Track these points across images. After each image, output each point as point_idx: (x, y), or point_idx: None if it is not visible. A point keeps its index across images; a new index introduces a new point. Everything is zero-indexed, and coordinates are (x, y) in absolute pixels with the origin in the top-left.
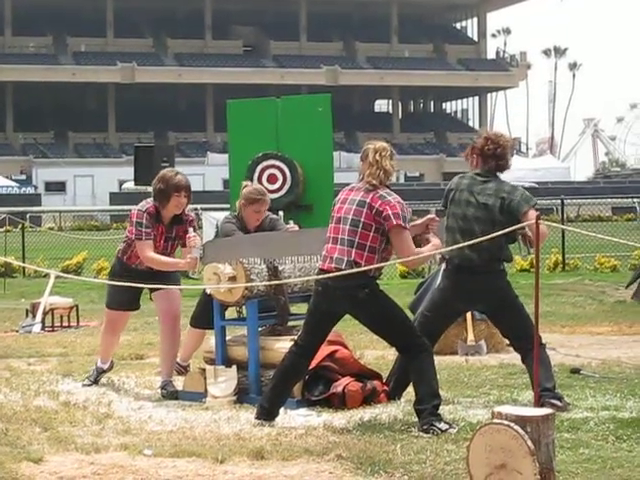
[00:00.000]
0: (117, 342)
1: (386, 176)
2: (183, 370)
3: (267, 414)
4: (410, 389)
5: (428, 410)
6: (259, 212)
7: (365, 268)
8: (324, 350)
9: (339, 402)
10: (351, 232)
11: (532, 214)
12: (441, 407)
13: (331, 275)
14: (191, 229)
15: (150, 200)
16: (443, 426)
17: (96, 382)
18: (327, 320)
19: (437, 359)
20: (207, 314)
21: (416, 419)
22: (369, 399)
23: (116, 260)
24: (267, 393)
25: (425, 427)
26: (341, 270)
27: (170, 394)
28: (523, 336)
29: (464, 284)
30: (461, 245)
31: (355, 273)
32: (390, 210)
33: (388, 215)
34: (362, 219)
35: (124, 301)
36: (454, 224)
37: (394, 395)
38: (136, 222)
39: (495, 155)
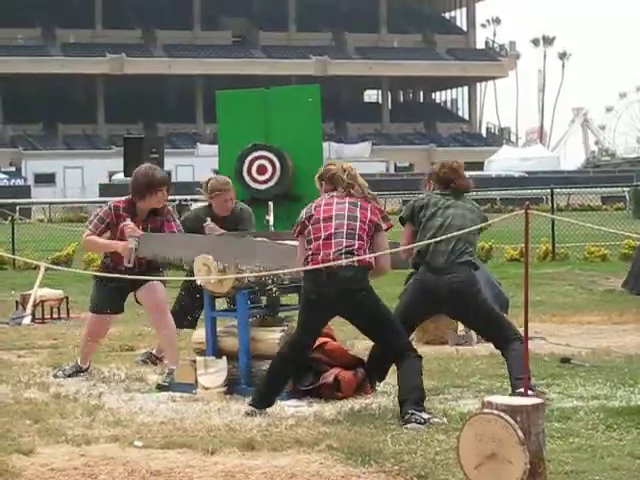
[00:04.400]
0: (95, 348)
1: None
2: (158, 361)
3: (263, 402)
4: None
5: (411, 400)
6: (227, 201)
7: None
8: None
9: (330, 392)
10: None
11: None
12: (431, 397)
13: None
14: (128, 219)
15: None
16: (425, 415)
17: (69, 377)
18: (324, 321)
19: (428, 349)
20: (184, 313)
21: None
22: (360, 387)
23: (101, 265)
24: (264, 383)
25: (406, 417)
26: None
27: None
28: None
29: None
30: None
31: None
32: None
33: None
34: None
35: (108, 303)
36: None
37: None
38: (96, 212)
39: (450, 179)
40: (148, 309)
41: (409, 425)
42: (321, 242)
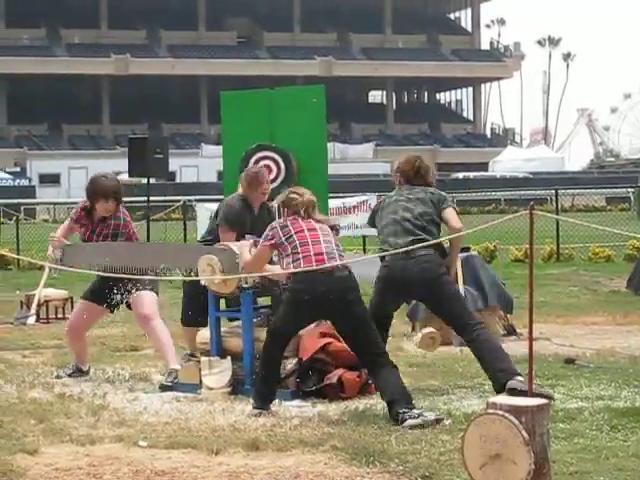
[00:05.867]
0: (86, 345)
1: None
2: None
3: (265, 400)
4: None
5: (399, 399)
6: (265, 192)
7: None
8: (317, 342)
9: (334, 393)
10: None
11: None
12: (436, 397)
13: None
14: (58, 230)
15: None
16: (416, 411)
17: (70, 376)
18: (310, 322)
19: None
20: (195, 312)
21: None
22: (364, 388)
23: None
24: (260, 380)
25: (399, 417)
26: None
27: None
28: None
29: None
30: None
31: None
32: None
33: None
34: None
35: (99, 294)
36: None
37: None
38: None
39: (420, 174)
40: (137, 318)
41: (405, 423)
42: (311, 246)
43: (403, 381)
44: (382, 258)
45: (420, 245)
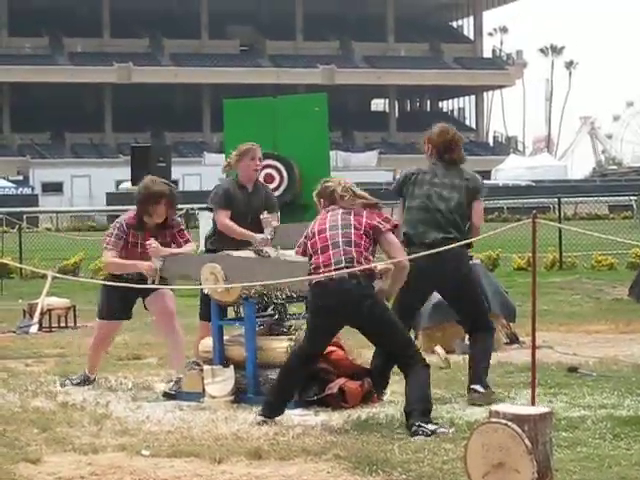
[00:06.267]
0: (102, 356)
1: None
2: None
3: (273, 412)
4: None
5: (417, 411)
6: (255, 161)
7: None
8: None
9: (336, 402)
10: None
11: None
12: (439, 406)
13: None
14: (152, 239)
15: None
16: (431, 427)
17: (77, 385)
18: (331, 331)
19: (435, 358)
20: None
21: None
22: (367, 397)
23: (109, 274)
24: (272, 393)
25: (413, 429)
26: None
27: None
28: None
29: None
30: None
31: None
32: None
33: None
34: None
35: (117, 310)
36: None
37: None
38: (111, 232)
39: (451, 147)
40: (156, 314)
41: (415, 437)
42: (320, 255)
43: (430, 385)
44: (408, 247)
45: (447, 247)
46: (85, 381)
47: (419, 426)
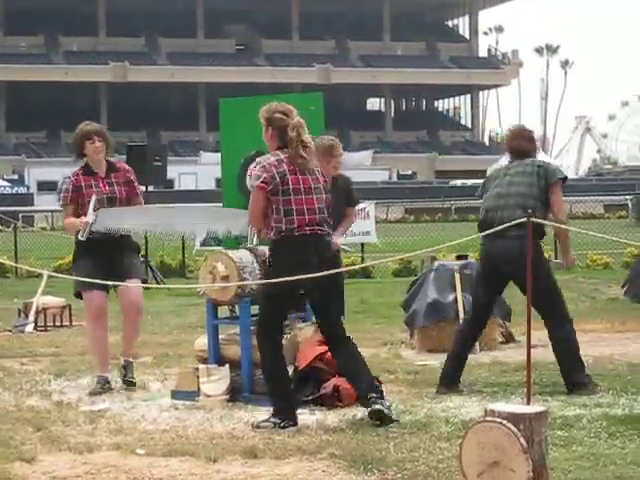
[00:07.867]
0: (108, 339)
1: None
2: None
3: (287, 411)
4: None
5: (368, 388)
6: (336, 167)
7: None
8: (314, 351)
9: (330, 402)
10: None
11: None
12: (434, 404)
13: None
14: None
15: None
16: (386, 402)
17: (101, 394)
18: (298, 292)
19: (430, 357)
20: None
21: (409, 417)
22: None
23: (75, 242)
24: (271, 392)
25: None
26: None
27: (129, 380)
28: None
29: None
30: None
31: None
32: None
33: None
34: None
35: (96, 277)
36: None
37: None
38: (60, 188)
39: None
40: (127, 306)
41: (375, 406)
42: (303, 197)
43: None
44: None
45: (512, 223)
46: (105, 384)
47: (375, 400)
